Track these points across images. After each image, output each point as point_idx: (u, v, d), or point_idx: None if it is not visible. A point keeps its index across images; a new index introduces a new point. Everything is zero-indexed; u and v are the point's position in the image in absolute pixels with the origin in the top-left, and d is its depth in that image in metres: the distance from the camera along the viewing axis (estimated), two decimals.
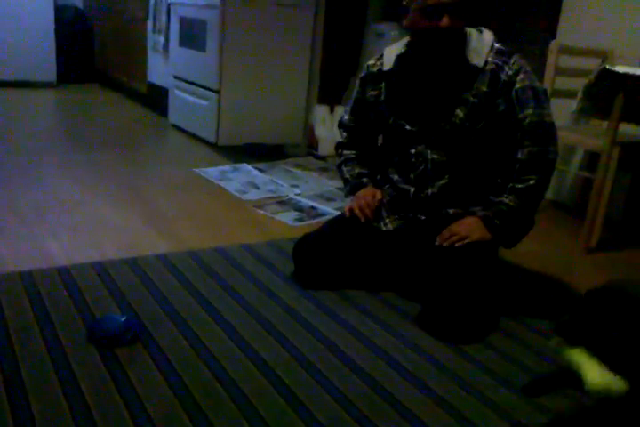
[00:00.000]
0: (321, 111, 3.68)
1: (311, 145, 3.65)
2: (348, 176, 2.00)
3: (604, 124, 2.67)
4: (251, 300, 1.78)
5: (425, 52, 1.78)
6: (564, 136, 2.67)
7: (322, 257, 1.86)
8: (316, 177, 3.15)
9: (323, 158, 3.53)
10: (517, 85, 1.71)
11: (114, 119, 4.19)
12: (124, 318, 1.51)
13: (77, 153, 3.22)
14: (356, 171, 2.00)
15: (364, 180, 1.97)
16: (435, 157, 1.79)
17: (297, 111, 3.61)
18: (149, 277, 1.86)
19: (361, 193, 1.94)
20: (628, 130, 2.63)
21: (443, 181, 1.80)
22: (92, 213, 2.38)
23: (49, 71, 5.06)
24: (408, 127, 1.81)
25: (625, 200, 2.79)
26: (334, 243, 1.87)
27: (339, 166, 2.05)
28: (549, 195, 3.08)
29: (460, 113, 1.74)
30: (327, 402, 1.34)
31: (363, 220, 1.87)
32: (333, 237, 1.88)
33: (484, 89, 1.73)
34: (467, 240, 1.72)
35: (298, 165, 3.35)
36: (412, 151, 1.82)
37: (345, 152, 2.03)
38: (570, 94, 2.70)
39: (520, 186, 1.75)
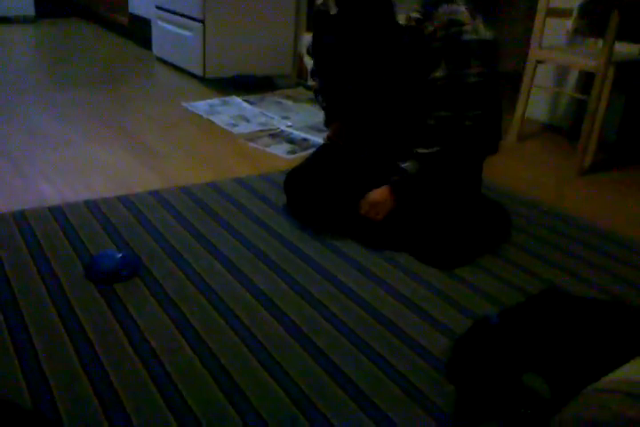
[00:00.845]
0: (309, 40, 3.56)
1: (301, 75, 3.56)
2: (324, 105, 1.97)
3: (599, 44, 2.60)
4: (246, 233, 1.79)
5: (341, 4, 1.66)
6: (559, 57, 2.60)
7: (311, 187, 1.86)
8: (306, 108, 3.09)
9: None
10: (436, 44, 1.52)
11: (96, 54, 4.06)
12: (120, 254, 1.53)
13: (61, 91, 3.14)
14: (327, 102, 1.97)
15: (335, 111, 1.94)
16: (371, 115, 1.73)
17: (285, 40, 3.49)
18: (143, 213, 1.86)
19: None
20: (622, 50, 2.56)
21: (379, 138, 1.76)
22: (81, 152, 2.35)
23: (26, 5, 4.85)
24: (348, 84, 1.75)
25: (619, 122, 2.76)
26: (321, 171, 1.86)
27: (315, 94, 2.01)
28: (543, 118, 3.04)
29: (384, 78, 1.63)
30: (325, 328, 1.38)
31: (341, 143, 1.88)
32: (320, 166, 1.87)
33: (404, 51, 1.56)
34: (379, 218, 1.70)
35: (288, 97, 3.28)
36: (353, 106, 1.77)
37: (317, 80, 1.99)
38: (565, 13, 2.60)
39: (423, 151, 1.61)
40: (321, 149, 1.97)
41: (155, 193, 2.01)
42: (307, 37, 3.53)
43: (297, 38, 3.51)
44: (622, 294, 1.59)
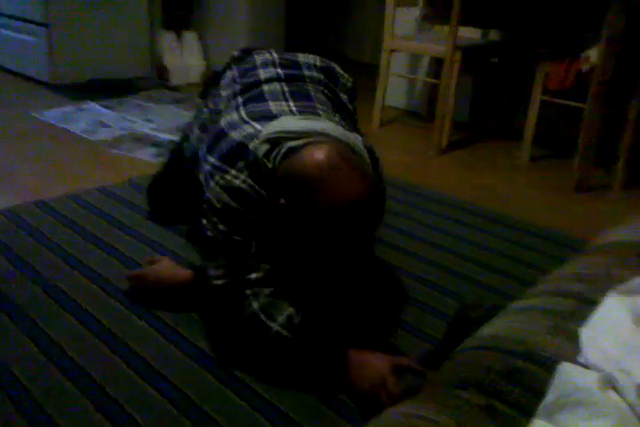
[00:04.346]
0: (167, 38, 3.46)
1: (162, 76, 3.45)
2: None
3: (446, 29, 2.74)
4: (113, 242, 1.70)
5: None
6: (410, 45, 2.72)
7: (167, 193, 1.80)
8: (171, 109, 3.01)
9: (176, 89, 3.36)
10: None
11: None
12: None
13: None
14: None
15: None
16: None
17: (141, 40, 3.35)
18: None
19: None
20: (468, 35, 2.72)
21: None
22: None
23: None
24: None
25: (470, 103, 2.93)
26: (175, 177, 1.76)
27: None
28: (402, 104, 3.16)
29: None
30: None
31: None
32: (173, 172, 1.78)
33: None
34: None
35: (150, 99, 3.17)
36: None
37: None
38: (413, 1, 2.72)
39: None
40: (175, 151, 1.83)
41: (6, 212, 1.85)
42: (164, 35, 3.42)
43: (153, 37, 3.38)
44: (488, 260, 1.70)
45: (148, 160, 2.36)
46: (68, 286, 1.49)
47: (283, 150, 1.17)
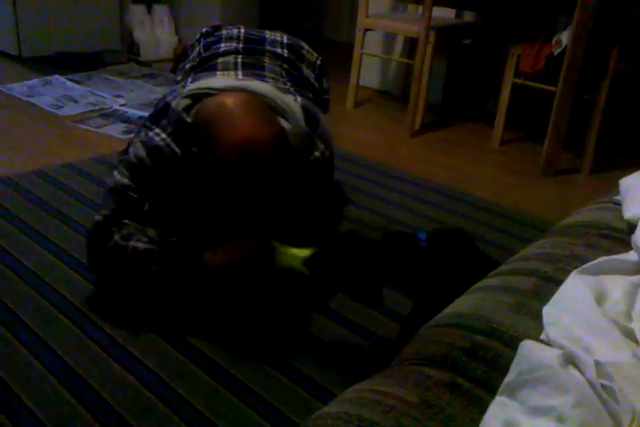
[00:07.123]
0: (137, 12, 3.37)
1: (132, 50, 3.37)
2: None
3: (421, 9, 2.72)
4: (82, 220, 1.67)
5: None
6: (385, 24, 2.70)
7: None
8: (140, 85, 2.94)
9: (147, 64, 3.28)
10: None
11: None
12: None
13: None
14: None
15: None
16: None
17: (110, 12, 3.25)
18: None
19: None
20: (443, 15, 2.71)
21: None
22: None
23: None
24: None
25: (443, 84, 2.93)
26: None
27: None
28: (376, 85, 3.15)
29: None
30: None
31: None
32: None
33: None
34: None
35: (119, 73, 3.10)
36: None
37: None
38: None
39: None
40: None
41: None
42: (134, 9, 3.33)
43: (123, 10, 3.29)
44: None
45: (117, 137, 2.32)
46: (32, 263, 1.47)
47: (200, 104, 1.23)
